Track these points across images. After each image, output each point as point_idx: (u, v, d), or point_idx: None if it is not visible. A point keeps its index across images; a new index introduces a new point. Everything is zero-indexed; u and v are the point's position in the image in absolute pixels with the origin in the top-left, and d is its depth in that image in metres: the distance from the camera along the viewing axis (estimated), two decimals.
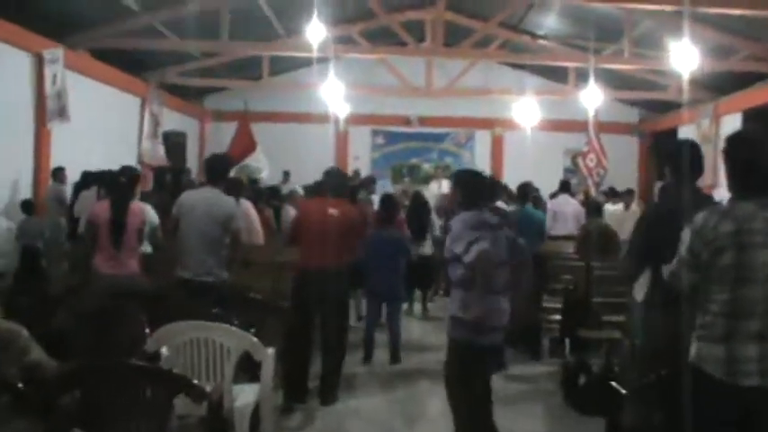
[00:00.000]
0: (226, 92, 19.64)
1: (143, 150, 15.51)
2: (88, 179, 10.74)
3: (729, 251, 3.22)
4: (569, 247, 9.67)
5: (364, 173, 18.41)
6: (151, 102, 15.83)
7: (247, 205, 8.95)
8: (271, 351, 4.64)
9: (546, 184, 14.12)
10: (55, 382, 3.34)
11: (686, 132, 16.16)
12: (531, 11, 15.49)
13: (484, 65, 18.11)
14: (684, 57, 10.98)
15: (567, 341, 7.76)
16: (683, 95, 14.77)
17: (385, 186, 17.34)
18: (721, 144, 3.50)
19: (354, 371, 7.63)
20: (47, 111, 11.36)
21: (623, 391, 4.12)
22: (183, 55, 15.69)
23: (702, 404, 3.34)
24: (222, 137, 18.00)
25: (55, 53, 11.51)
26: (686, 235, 3.39)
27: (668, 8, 11.69)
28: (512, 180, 15.81)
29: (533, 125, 17.97)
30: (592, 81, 14.39)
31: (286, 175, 18.06)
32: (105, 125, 13.52)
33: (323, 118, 17.18)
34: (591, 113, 15.47)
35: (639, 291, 4.86)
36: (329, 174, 6.90)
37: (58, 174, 11.44)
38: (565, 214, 10.71)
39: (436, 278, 10.98)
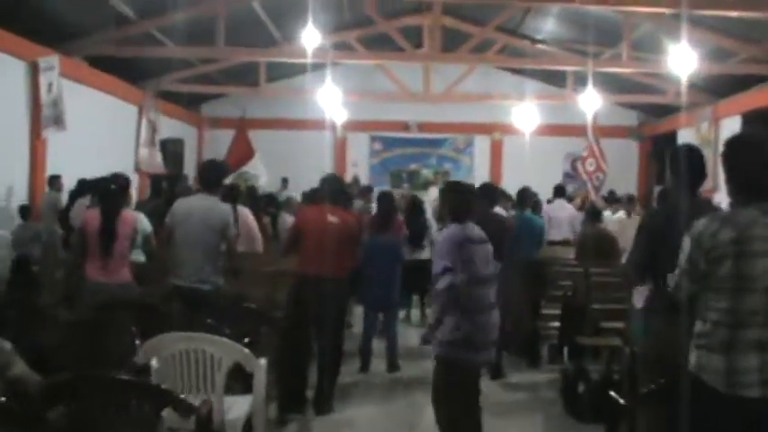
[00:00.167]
0: (223, 99, 19.61)
1: (140, 158, 15.47)
2: (84, 187, 10.67)
3: (729, 259, 3.13)
4: (565, 253, 9.60)
5: (363, 179, 18.37)
6: (148, 109, 15.79)
7: (246, 212, 8.88)
8: (263, 362, 4.56)
9: (545, 188, 13.99)
10: (40, 396, 3.25)
11: (685, 136, 16.08)
12: (528, 15, 15.44)
13: (482, 70, 18.06)
14: (683, 60, 10.92)
15: (566, 348, 7.68)
16: (682, 99, 14.70)
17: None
18: (721, 147, 3.41)
19: (350, 380, 7.52)
20: (42, 119, 11.29)
21: (622, 401, 4.03)
22: (179, 62, 15.63)
23: (703, 415, 3.26)
24: (220, 144, 18.01)
25: (50, 61, 11.46)
26: (685, 243, 3.30)
27: (666, 11, 11.62)
28: (511, 185, 15.74)
29: (532, 130, 17.96)
30: (590, 85, 14.34)
31: (284, 182, 18.03)
32: (102, 133, 13.47)
33: (321, 124, 17.15)
34: (590, 117, 15.43)
35: (639, 297, 4.79)
36: (326, 181, 6.79)
37: (55, 182, 11.36)
38: (559, 219, 10.67)
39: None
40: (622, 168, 18.64)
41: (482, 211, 7.43)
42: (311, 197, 9.78)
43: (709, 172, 4.76)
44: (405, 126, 20.43)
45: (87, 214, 6.55)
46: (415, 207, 10.35)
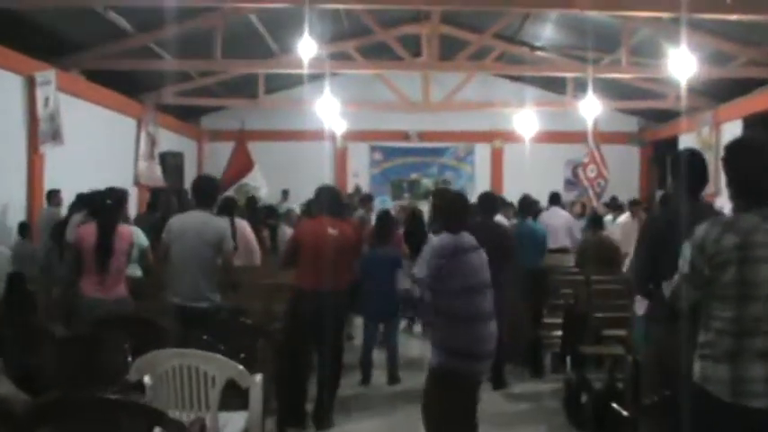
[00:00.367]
0: (222, 111, 19.59)
1: (139, 171, 15.44)
2: (82, 202, 10.59)
3: (732, 266, 3.05)
4: (563, 261, 9.53)
5: (364, 190, 18.31)
6: (147, 123, 15.76)
7: (243, 225, 8.82)
8: (258, 378, 4.48)
9: (547, 196, 13.96)
10: (27, 416, 3.18)
11: (686, 140, 16.01)
12: (527, 22, 15.39)
13: (481, 78, 18.03)
14: (683, 64, 10.86)
15: (569, 357, 7.58)
16: (683, 103, 14.62)
17: (384, 202, 17.19)
18: (722, 152, 3.34)
19: (351, 393, 7.44)
20: (39, 133, 11.25)
21: (625, 413, 3.95)
22: (178, 75, 15.61)
23: (707, 426, 3.18)
24: (219, 156, 17.96)
25: (47, 75, 11.43)
26: (686, 249, 3.21)
27: (665, 15, 11.56)
28: (512, 193, 15.68)
29: (532, 137, 17.90)
30: (590, 91, 14.28)
31: (285, 193, 17.98)
32: (100, 147, 13.43)
33: (320, 135, 17.10)
34: (590, 124, 15.37)
35: (640, 305, 4.71)
36: (321, 192, 6.71)
37: (53, 197, 11.26)
38: (554, 227, 10.58)
39: None
40: (624, 174, 18.56)
41: (483, 220, 7.41)
42: (308, 209, 9.71)
43: (711, 176, 4.68)
44: (405, 135, 20.38)
45: (82, 229, 6.48)
46: (415, 219, 10.29)
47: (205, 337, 4.83)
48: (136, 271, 7.05)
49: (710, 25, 12.05)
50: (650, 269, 4.38)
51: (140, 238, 6.85)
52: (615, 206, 14.45)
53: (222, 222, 6.38)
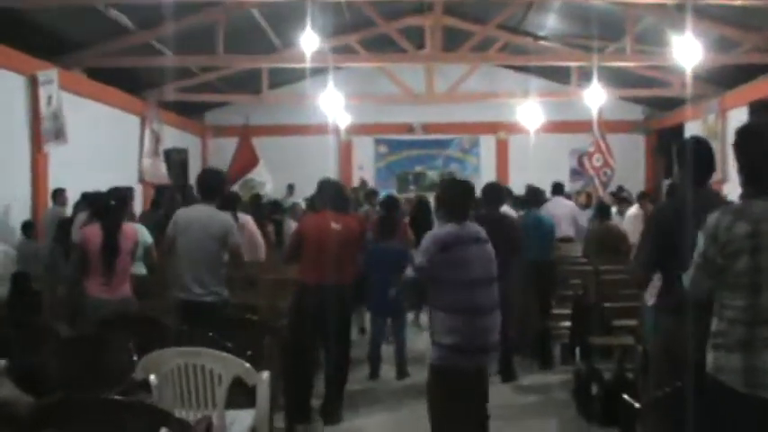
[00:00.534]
0: (226, 107, 19.54)
1: (144, 169, 15.41)
2: (87, 201, 10.55)
3: (745, 254, 3.00)
4: (568, 250, 9.49)
5: (369, 183, 18.28)
6: (151, 120, 15.73)
7: (247, 219, 8.78)
8: (265, 375, 4.44)
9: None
10: (30, 418, 3.14)
11: (692, 128, 15.92)
12: (530, 11, 15.30)
13: (485, 69, 17.93)
14: (688, 51, 10.77)
15: (578, 348, 7.53)
16: (688, 91, 14.51)
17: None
18: (729, 138, 3.29)
19: (359, 388, 7.40)
20: (43, 132, 11.22)
21: (636, 405, 3.90)
22: (181, 71, 15.56)
23: (720, 417, 3.13)
24: (224, 152, 17.95)
25: (49, 74, 11.40)
26: (700, 239, 3.16)
27: (669, 2, 11.46)
28: (518, 184, 15.62)
29: (537, 127, 17.83)
30: (595, 80, 14.20)
31: (290, 188, 17.97)
32: (104, 145, 13.39)
33: (325, 129, 17.04)
34: (595, 113, 15.28)
35: (651, 294, 4.65)
36: (324, 186, 6.66)
37: (58, 196, 11.22)
38: (558, 217, 10.50)
39: None
40: (630, 163, 18.51)
41: (489, 211, 7.35)
42: (313, 204, 9.68)
43: (718, 164, 4.62)
44: (409, 128, 20.32)
45: (87, 230, 6.45)
46: (423, 208, 10.23)
47: (211, 334, 4.79)
48: (141, 269, 7.03)
49: (714, 11, 11.95)
50: (655, 258, 4.32)
51: (145, 235, 6.82)
52: (621, 198, 14.35)
53: (227, 216, 6.33)
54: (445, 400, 4.56)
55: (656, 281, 4.46)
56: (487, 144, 20.74)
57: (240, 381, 4.30)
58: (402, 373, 7.86)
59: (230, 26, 13.31)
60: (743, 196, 3.19)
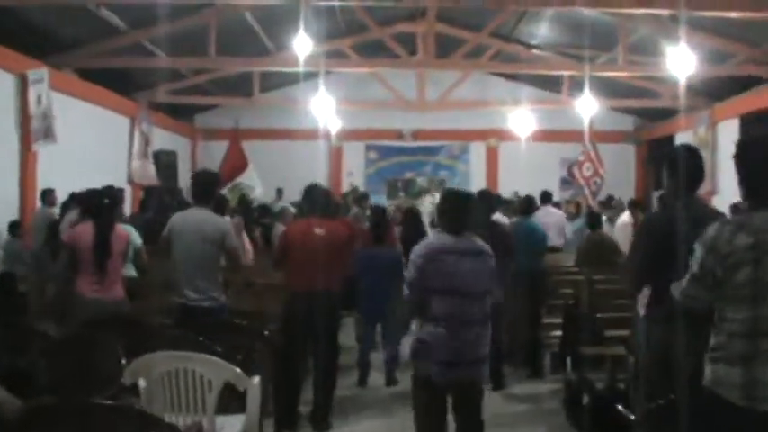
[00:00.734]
0: (216, 110, 19.49)
1: (133, 170, 15.33)
2: (75, 201, 10.46)
3: (746, 266, 2.96)
4: (555, 260, 9.47)
5: (360, 189, 18.22)
6: (140, 121, 15.65)
7: (234, 223, 8.71)
8: (256, 380, 4.39)
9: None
10: (17, 421, 3.08)
11: (683, 139, 15.93)
12: (522, 20, 15.31)
13: (477, 76, 17.96)
14: (682, 62, 10.80)
15: (569, 358, 7.49)
16: (679, 102, 14.56)
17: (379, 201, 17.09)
18: (720, 150, 3.27)
19: (348, 394, 7.36)
20: (32, 132, 11.13)
21: (631, 417, 3.87)
22: (172, 73, 15.51)
23: (717, 430, 3.10)
24: (213, 155, 17.91)
25: (39, 73, 11.32)
26: (698, 250, 3.13)
27: (664, 12, 11.48)
28: (507, 192, 15.64)
29: (528, 136, 17.85)
30: (587, 90, 14.21)
31: (279, 192, 17.89)
32: (94, 145, 13.32)
33: (315, 134, 16.99)
34: (587, 123, 15.30)
35: (642, 305, 4.63)
36: (308, 192, 6.60)
37: (48, 196, 11.09)
38: (547, 226, 10.50)
39: None
40: (620, 173, 18.55)
41: (480, 218, 7.31)
42: (301, 209, 9.64)
43: (708, 176, 4.61)
44: (399, 134, 20.27)
45: (78, 229, 6.36)
46: (413, 218, 10.20)
47: (201, 338, 4.73)
48: (130, 270, 6.96)
49: (706, 23, 11.98)
50: (646, 267, 4.30)
51: (134, 237, 6.75)
52: (609, 206, 14.36)
53: (223, 220, 6.26)
54: (423, 410, 4.52)
55: (646, 290, 4.44)
56: (477, 151, 20.74)
57: (228, 386, 4.24)
58: (391, 380, 7.80)
59: (222, 28, 13.26)
60: (746, 209, 3.16)
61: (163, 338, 4.88)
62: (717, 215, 4.17)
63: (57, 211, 10.76)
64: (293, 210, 11.69)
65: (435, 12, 14.26)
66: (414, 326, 4.57)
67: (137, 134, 15.53)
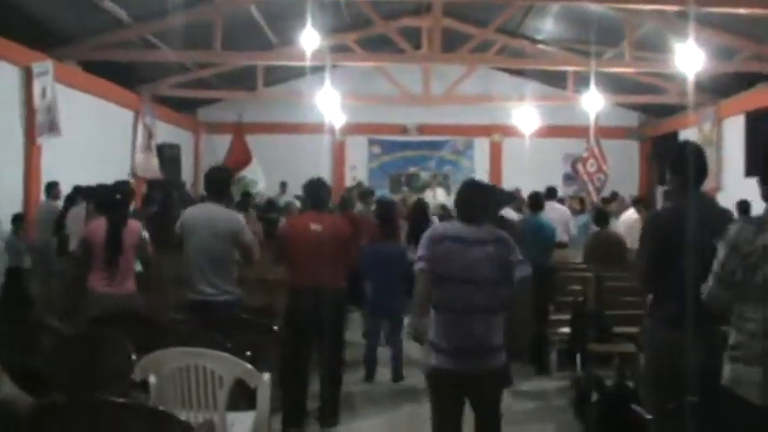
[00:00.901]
0: (220, 103, 19.44)
1: (136, 163, 15.29)
2: (80, 194, 10.42)
3: (766, 266, 2.93)
4: (561, 256, 9.44)
5: (364, 183, 18.17)
6: (144, 114, 15.60)
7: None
8: (267, 377, 4.36)
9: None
10: (29, 418, 3.05)
11: (687, 136, 15.90)
12: (529, 15, 15.26)
13: (482, 71, 17.89)
14: (689, 58, 10.74)
15: (578, 356, 7.45)
16: (685, 98, 14.49)
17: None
18: (725, 146, 3.23)
19: (356, 390, 7.35)
20: (36, 125, 11.09)
21: (642, 415, 3.83)
22: (176, 66, 15.47)
23: (735, 430, 3.07)
24: (217, 149, 17.90)
25: (44, 66, 11.26)
26: (720, 250, 3.09)
27: (672, 8, 11.42)
28: (511, 187, 15.58)
29: (532, 131, 17.80)
30: (593, 86, 14.16)
31: (283, 186, 17.86)
32: (98, 138, 13.27)
33: (319, 128, 16.92)
34: (592, 119, 15.25)
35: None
36: (309, 186, 6.54)
37: (52, 189, 11.03)
38: (551, 222, 10.49)
39: None
40: (624, 170, 18.50)
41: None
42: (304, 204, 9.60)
43: (713, 172, 4.56)
44: (403, 129, 20.22)
45: (93, 224, 6.36)
46: (421, 211, 10.16)
47: (213, 334, 4.69)
48: (136, 265, 6.91)
49: (713, 19, 11.92)
50: (653, 264, 4.24)
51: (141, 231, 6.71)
52: (612, 202, 14.30)
53: (235, 215, 6.21)
54: (436, 402, 4.48)
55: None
56: (482, 146, 20.70)
57: (238, 382, 4.21)
58: (398, 375, 7.78)
59: (227, 22, 13.22)
60: (738, 206, 3.13)
61: (174, 334, 4.85)
62: (724, 212, 4.14)
63: (60, 204, 10.75)
64: (299, 204, 11.66)
65: (441, 6, 14.20)
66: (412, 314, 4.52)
67: (140, 127, 15.48)
